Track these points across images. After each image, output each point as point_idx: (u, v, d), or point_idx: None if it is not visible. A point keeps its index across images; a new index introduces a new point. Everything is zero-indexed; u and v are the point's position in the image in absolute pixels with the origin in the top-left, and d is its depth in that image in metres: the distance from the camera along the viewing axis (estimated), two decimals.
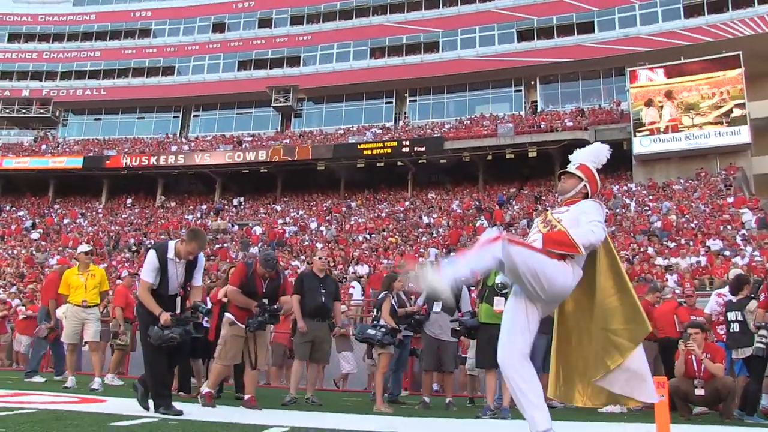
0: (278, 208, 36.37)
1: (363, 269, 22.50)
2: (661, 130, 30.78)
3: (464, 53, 38.62)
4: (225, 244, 29.17)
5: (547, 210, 4.33)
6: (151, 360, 5.79)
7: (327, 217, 32.54)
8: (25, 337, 14.79)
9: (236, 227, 32.75)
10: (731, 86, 30.00)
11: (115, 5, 46.42)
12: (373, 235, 28.32)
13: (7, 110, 44.57)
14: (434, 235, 27.34)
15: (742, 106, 29.58)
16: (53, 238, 32.98)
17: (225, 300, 7.76)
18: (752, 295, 8.52)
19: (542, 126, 33.69)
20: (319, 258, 8.48)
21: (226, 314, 6.95)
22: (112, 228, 34.27)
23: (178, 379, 8.24)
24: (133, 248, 29.77)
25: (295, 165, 36.69)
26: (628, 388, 4.02)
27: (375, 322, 8.07)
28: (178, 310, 5.78)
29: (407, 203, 34.01)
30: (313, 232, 30.29)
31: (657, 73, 31.72)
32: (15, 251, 30.08)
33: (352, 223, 30.98)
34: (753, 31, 32.05)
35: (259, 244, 28.83)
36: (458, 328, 7.46)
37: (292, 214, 34.11)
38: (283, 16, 43.38)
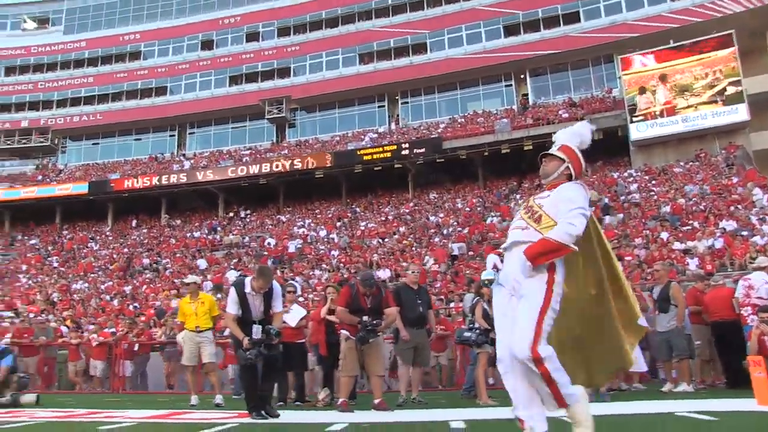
0: (283, 218, 36.75)
1: (385, 273, 22.72)
2: (657, 114, 31.08)
3: (452, 52, 39.16)
4: (243, 258, 29.58)
5: (531, 197, 4.16)
6: (241, 375, 7.58)
7: (338, 224, 32.95)
8: (100, 362, 15.41)
9: (247, 239, 33.17)
10: (723, 65, 30.11)
11: (104, 30, 46.75)
12: (386, 239, 28.77)
13: (8, 141, 45.12)
14: (445, 234, 27.87)
15: (737, 83, 29.56)
16: (71, 264, 33.38)
17: (327, 317, 8.54)
18: None
19: (538, 119, 34.22)
20: (412, 272, 9.03)
21: (342, 331, 7.66)
22: (125, 250, 34.67)
23: (295, 391, 8.94)
24: (152, 267, 30.29)
25: (295, 175, 37.07)
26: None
27: (470, 325, 8.70)
28: (258, 336, 6.53)
29: (411, 204, 34.50)
30: (325, 240, 30.71)
31: (648, 59, 32.04)
32: (39, 279, 30.39)
33: (362, 228, 31.40)
34: (743, 6, 31.93)
35: (271, 258, 29.20)
36: None
37: (299, 224, 34.50)
38: (270, 29, 43.78)
